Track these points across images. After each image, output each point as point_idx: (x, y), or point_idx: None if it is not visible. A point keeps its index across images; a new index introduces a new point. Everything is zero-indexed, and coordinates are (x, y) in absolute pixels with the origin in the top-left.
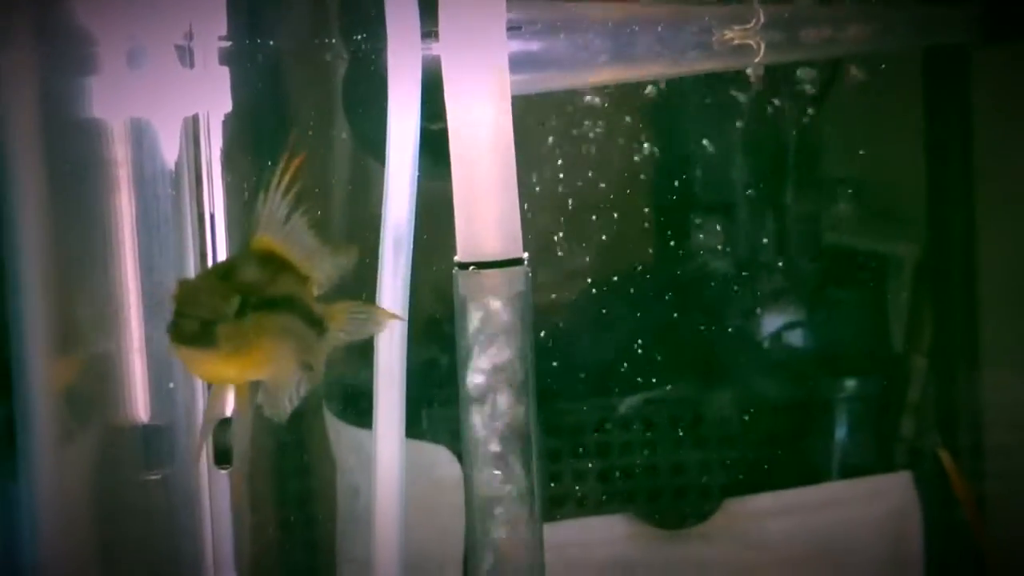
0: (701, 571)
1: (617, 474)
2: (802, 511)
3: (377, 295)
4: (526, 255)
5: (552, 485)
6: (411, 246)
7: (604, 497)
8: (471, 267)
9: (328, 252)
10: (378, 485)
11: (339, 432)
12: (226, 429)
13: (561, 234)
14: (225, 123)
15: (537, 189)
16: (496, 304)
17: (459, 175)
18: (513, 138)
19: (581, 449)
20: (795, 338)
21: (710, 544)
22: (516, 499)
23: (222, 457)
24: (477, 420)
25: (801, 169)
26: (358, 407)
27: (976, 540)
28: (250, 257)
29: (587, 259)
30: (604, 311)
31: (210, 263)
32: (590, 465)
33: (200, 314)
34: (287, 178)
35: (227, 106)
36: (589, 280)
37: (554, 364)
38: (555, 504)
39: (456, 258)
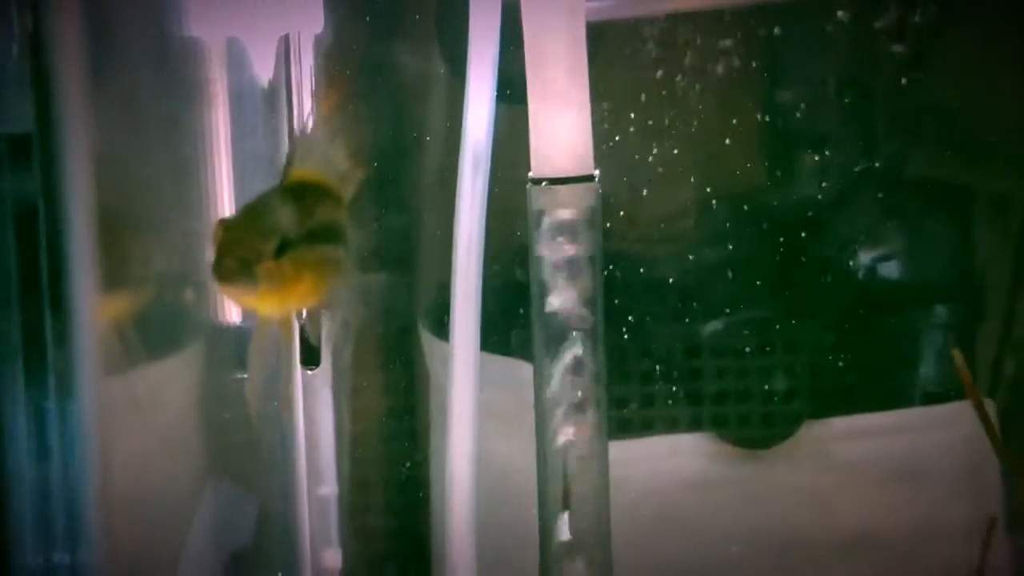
0: (779, 490)
1: (700, 395)
2: (879, 435)
3: (456, 212)
4: (597, 172)
5: (639, 404)
6: (489, 164)
7: (689, 416)
8: (544, 182)
9: (357, 171)
10: (453, 399)
11: (432, 347)
12: (314, 328)
13: (658, 156)
14: (317, 42)
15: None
16: (567, 217)
17: (534, 94)
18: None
19: (668, 370)
20: (886, 267)
21: (788, 464)
22: (583, 403)
23: (310, 358)
24: (547, 331)
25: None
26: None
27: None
28: (288, 192)
29: (684, 181)
30: (697, 234)
31: None
32: (675, 387)
33: (241, 254)
34: (325, 107)
35: (319, 26)
36: (686, 202)
37: (648, 287)
38: (643, 421)
39: (530, 174)
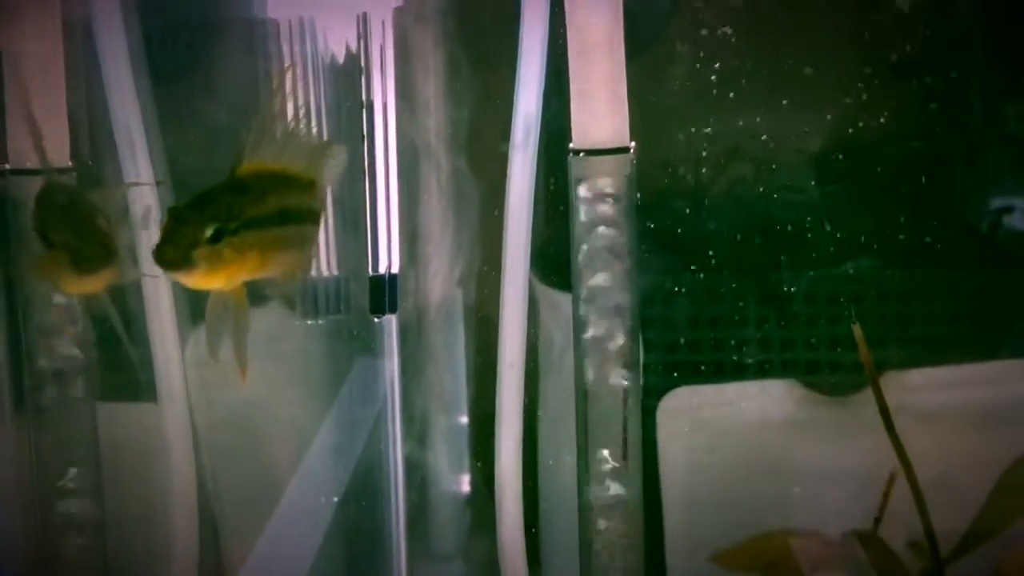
0: (856, 433)
1: (789, 343)
2: (960, 386)
3: (507, 180)
4: (633, 144)
5: (731, 351)
6: (538, 134)
7: (777, 364)
8: (582, 153)
9: (330, 151)
10: (504, 326)
11: (539, 292)
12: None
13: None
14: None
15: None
16: (604, 185)
17: (576, 71)
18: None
19: (759, 319)
20: (976, 221)
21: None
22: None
23: (377, 306)
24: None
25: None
26: (555, 272)
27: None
28: (236, 181)
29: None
30: (788, 187)
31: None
32: (763, 335)
33: (178, 241)
34: (275, 99)
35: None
36: (777, 156)
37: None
38: (735, 368)
39: (571, 145)
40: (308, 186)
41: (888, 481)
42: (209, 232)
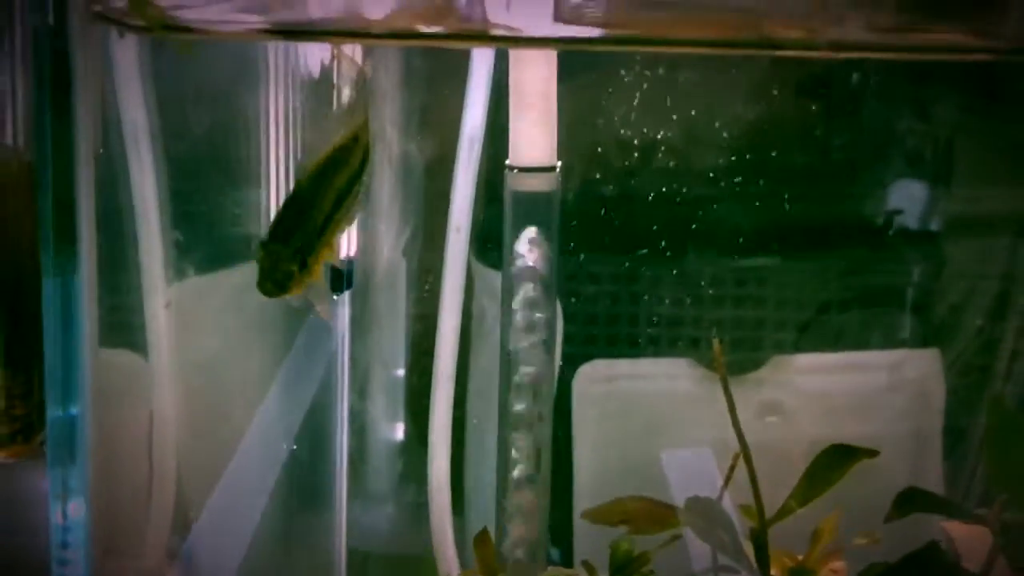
0: (747, 409)
1: (684, 323)
2: (840, 371)
3: (452, 185)
4: (558, 163)
5: (635, 329)
6: (481, 145)
7: (671, 342)
8: (516, 169)
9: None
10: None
11: (475, 268)
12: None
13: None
14: None
15: None
16: (532, 197)
17: (515, 102)
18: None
19: (661, 300)
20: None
21: (758, 389)
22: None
23: (336, 286)
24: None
25: None
26: (489, 251)
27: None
28: (302, 196)
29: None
30: (700, 187)
31: None
32: (663, 316)
33: (276, 279)
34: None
35: None
36: (671, 160)
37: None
38: (634, 343)
39: (507, 161)
40: (354, 145)
41: (733, 458)
42: (297, 265)
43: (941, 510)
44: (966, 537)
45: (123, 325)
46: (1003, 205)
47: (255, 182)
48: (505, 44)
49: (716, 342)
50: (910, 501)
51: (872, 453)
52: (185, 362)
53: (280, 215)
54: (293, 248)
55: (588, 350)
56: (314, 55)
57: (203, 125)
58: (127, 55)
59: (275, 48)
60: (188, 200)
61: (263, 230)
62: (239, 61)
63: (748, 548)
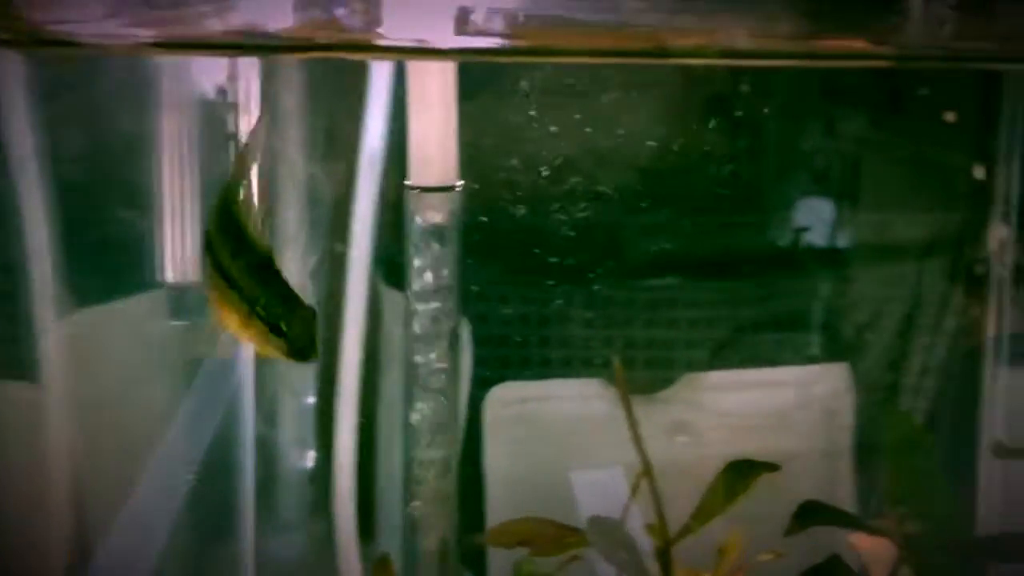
0: (660, 429)
1: (595, 344)
2: (750, 387)
3: (352, 205)
4: (460, 183)
5: (546, 350)
6: (382, 166)
7: (583, 363)
8: (417, 189)
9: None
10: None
11: (382, 290)
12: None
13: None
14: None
15: None
16: (434, 217)
17: (413, 122)
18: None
19: (573, 321)
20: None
21: (668, 408)
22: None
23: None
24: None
25: None
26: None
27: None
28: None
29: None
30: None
31: None
32: (574, 337)
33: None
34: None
35: None
36: (580, 181)
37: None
38: (543, 364)
39: (407, 182)
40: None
41: (636, 476)
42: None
43: (841, 522)
44: (872, 550)
45: (13, 357)
46: (910, 221)
47: (149, 208)
48: (404, 56)
49: (616, 362)
50: (810, 514)
51: (773, 467)
52: (81, 393)
53: (275, 279)
54: (310, 310)
55: (499, 372)
56: (210, 76)
57: (95, 148)
58: (10, 74)
59: (170, 68)
60: (80, 227)
61: (158, 259)
62: (132, 81)
63: (655, 567)
